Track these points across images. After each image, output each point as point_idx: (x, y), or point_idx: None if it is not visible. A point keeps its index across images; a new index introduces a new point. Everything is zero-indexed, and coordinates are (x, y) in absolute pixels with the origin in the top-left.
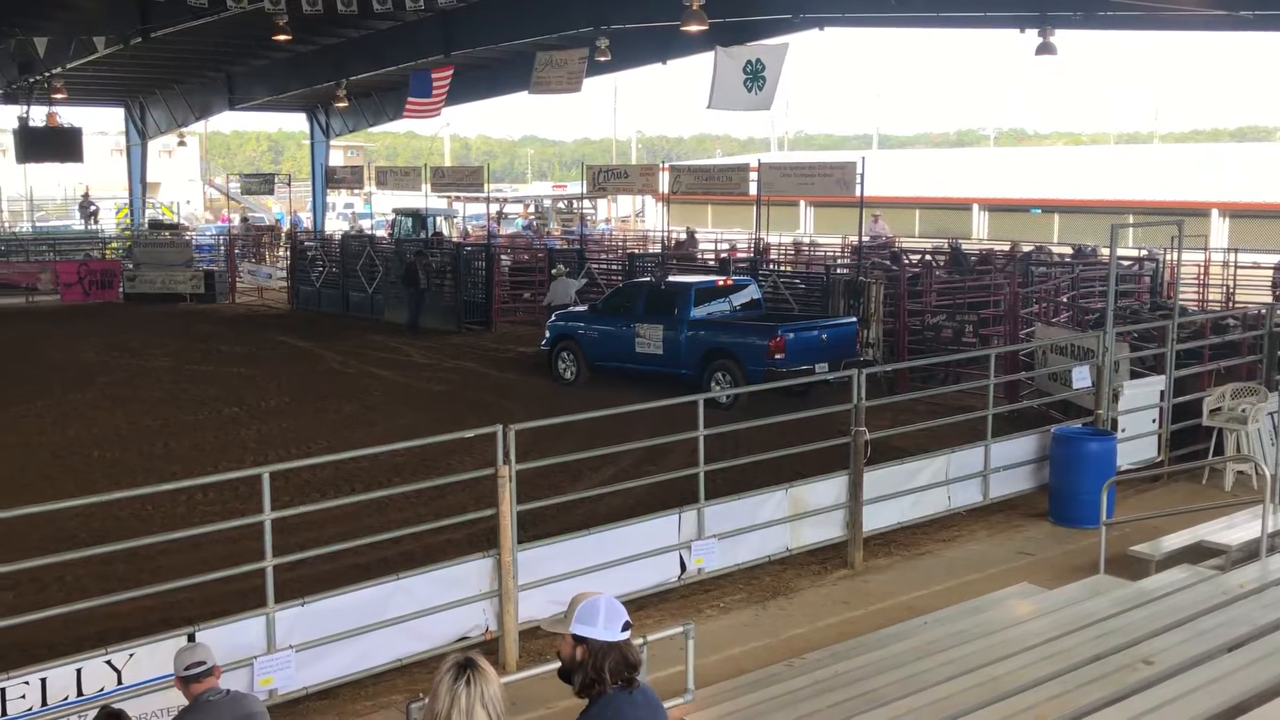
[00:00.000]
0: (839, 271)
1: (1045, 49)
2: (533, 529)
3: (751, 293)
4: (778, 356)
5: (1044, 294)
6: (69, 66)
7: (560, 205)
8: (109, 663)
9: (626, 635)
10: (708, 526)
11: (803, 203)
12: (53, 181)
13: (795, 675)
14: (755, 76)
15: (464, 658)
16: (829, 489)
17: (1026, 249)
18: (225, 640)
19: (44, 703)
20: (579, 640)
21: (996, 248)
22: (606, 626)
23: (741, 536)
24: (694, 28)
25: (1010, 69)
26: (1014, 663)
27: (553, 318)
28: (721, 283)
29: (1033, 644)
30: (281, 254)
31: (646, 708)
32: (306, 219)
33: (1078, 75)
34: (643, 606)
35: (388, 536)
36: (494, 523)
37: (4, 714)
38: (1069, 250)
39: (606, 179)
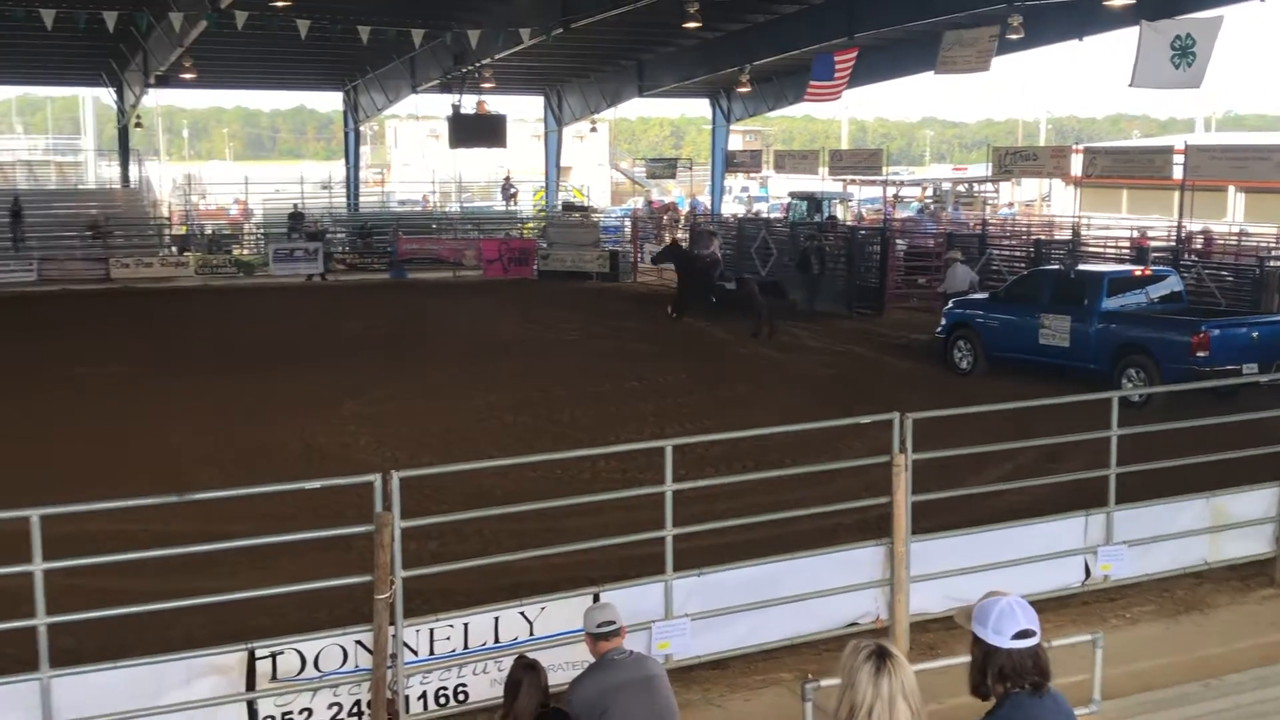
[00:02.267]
0: (1273, 264)
1: None
2: (924, 520)
3: (1172, 284)
4: (1200, 354)
5: None
6: (497, 58)
7: (960, 188)
8: (522, 614)
9: (1017, 645)
10: (1116, 532)
11: (1232, 189)
12: (478, 165)
13: (1214, 697)
14: (1184, 52)
15: (877, 645)
16: (1257, 500)
17: None
18: (625, 603)
19: (465, 645)
20: (976, 639)
21: None
22: (995, 631)
23: (1154, 545)
24: (1117, 2)
25: None
26: None
27: (949, 305)
28: (1139, 273)
29: None
30: (680, 236)
31: (1056, 715)
32: (704, 202)
33: None
34: (1041, 610)
35: (782, 516)
36: (886, 510)
37: (431, 652)
38: None
39: (1013, 161)
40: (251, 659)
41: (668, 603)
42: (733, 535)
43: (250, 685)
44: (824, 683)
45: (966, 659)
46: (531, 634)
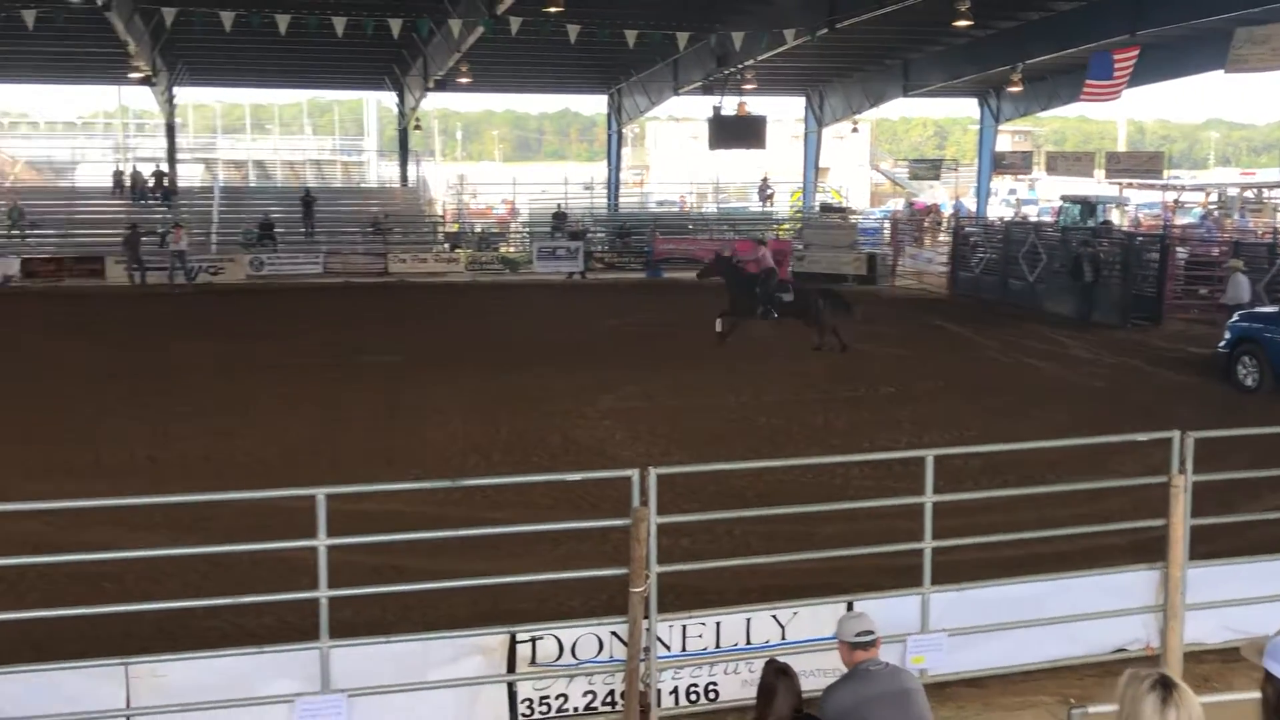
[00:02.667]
0: None
1: None
2: (1202, 545)
3: None
4: None
5: None
6: (759, 59)
7: (1248, 194)
8: (775, 617)
9: None
10: None
11: None
12: (736, 166)
13: None
14: None
15: (1160, 675)
16: None
17: None
18: (879, 614)
19: (717, 644)
20: (1269, 676)
21: None
22: None
23: None
24: None
25: None
26: None
27: (1234, 317)
28: None
29: None
30: (943, 239)
31: None
32: (969, 204)
33: None
34: None
35: (1049, 534)
36: (1161, 533)
37: (683, 648)
38: None
39: None
40: (513, 642)
41: (924, 616)
42: (991, 551)
43: (510, 667)
44: (1091, 709)
45: (1245, 695)
46: (783, 638)
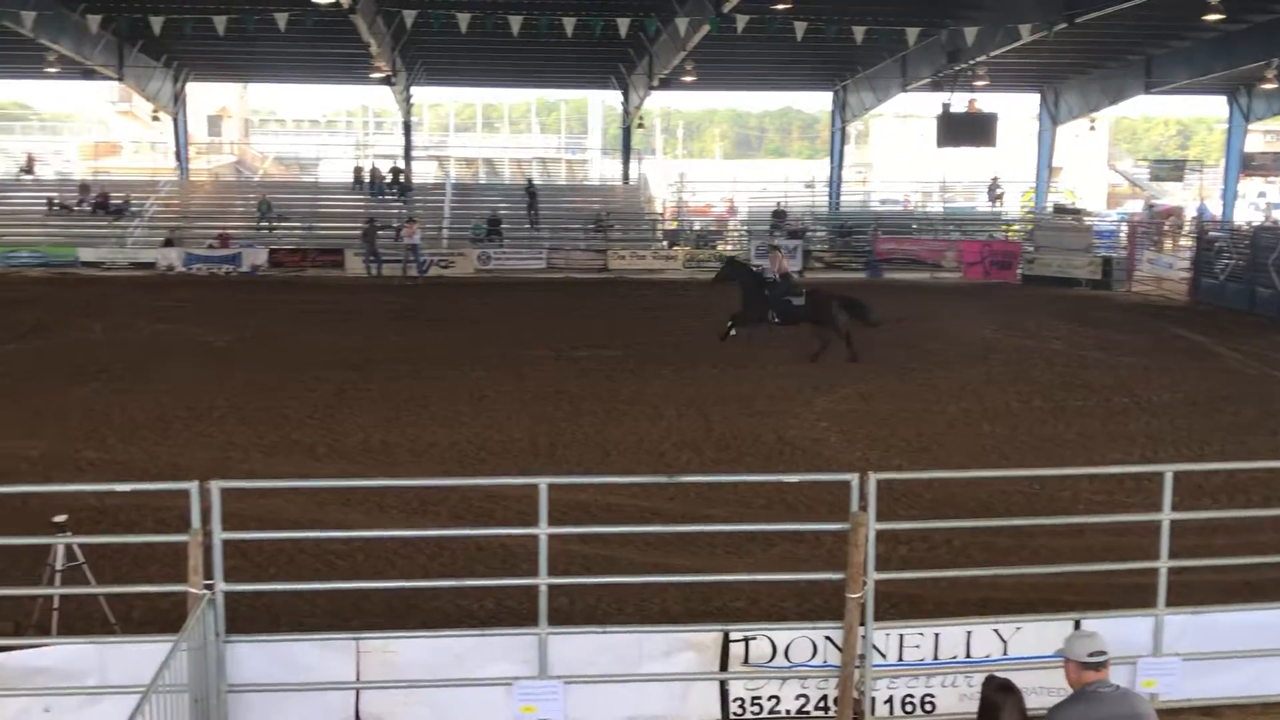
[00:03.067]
0: None
1: None
2: None
3: None
4: None
5: None
6: (992, 55)
7: None
8: (996, 631)
9: None
10: None
11: None
12: (963, 164)
13: None
14: None
15: None
16: None
17: None
18: (1107, 634)
19: (935, 656)
20: None
21: None
22: None
23: None
24: None
25: None
26: None
27: None
28: None
29: None
30: (1184, 244)
31: None
32: (1213, 208)
33: None
34: None
35: None
36: None
37: (900, 658)
38: None
39: None
40: (726, 641)
41: (1157, 639)
42: (1228, 574)
43: (723, 666)
44: None
45: None
46: (1005, 653)
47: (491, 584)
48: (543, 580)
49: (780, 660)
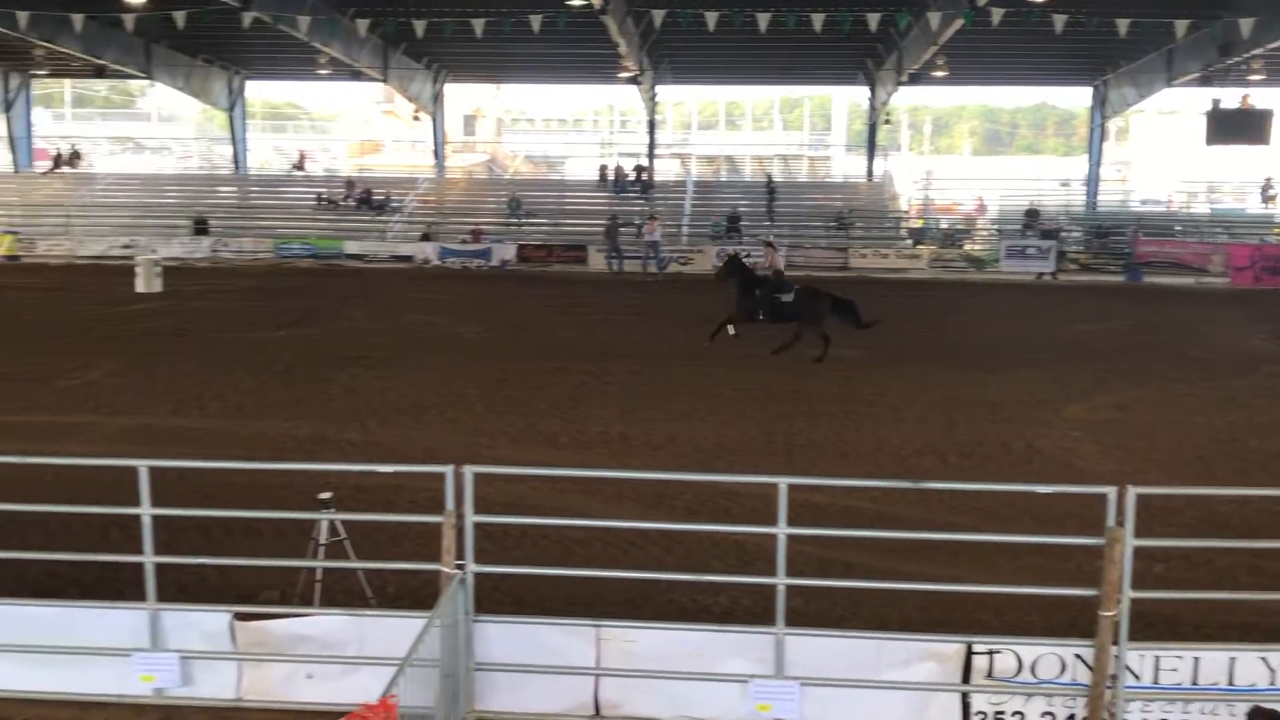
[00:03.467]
0: None
1: None
2: None
3: None
4: None
5: None
6: (1268, 47)
7: None
8: (1264, 659)
9: None
10: None
11: None
12: (1233, 163)
13: None
14: None
15: None
16: None
17: None
18: None
19: (1194, 681)
20: None
21: None
22: None
23: None
24: None
25: None
26: None
27: None
28: None
29: None
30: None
31: None
32: None
33: None
34: None
35: None
36: None
37: (1155, 681)
38: None
39: None
40: (969, 653)
41: None
42: None
43: (965, 678)
44: None
45: None
46: (1272, 683)
47: (729, 580)
48: (780, 580)
49: (1026, 676)
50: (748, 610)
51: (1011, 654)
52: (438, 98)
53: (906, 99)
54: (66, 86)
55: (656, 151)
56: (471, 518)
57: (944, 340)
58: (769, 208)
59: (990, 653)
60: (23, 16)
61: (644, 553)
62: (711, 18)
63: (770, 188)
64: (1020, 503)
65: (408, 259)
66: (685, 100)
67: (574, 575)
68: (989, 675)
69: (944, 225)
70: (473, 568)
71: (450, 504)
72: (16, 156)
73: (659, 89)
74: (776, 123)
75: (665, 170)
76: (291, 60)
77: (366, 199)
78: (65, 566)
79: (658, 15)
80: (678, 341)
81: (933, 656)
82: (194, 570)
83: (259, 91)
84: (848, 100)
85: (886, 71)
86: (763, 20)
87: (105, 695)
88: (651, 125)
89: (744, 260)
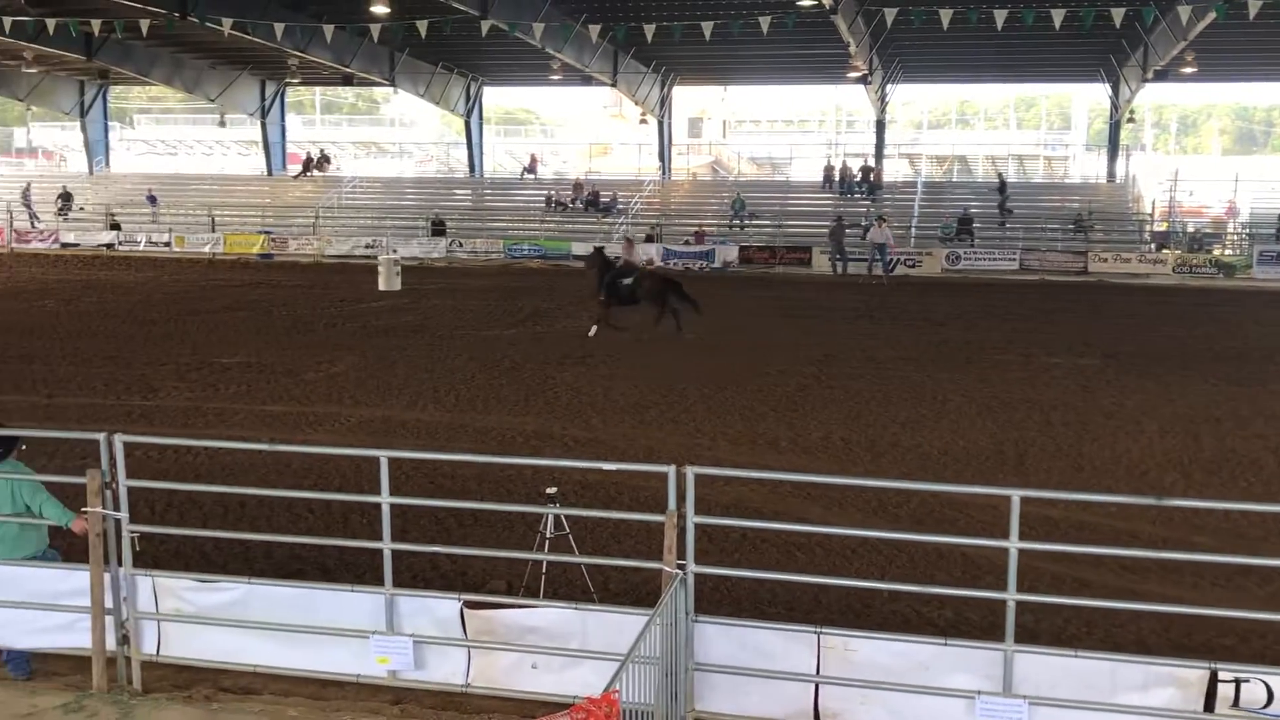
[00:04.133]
0: None
1: None
2: None
3: None
4: None
5: None
6: None
7: None
8: None
9: None
10: None
11: None
12: None
13: None
14: None
15: None
16: None
17: None
18: None
19: None
20: None
21: None
22: None
23: None
24: None
25: None
26: None
27: None
28: None
29: None
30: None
31: None
32: None
33: None
34: None
35: None
36: None
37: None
38: None
39: None
40: (1214, 680)
41: None
42: None
43: (1208, 707)
44: None
45: None
46: None
47: (956, 593)
48: (1011, 595)
49: (1276, 708)
50: (974, 624)
51: (1261, 683)
52: (665, 101)
53: (1151, 96)
54: (316, 94)
55: (884, 151)
56: (693, 518)
57: (1189, 350)
58: (1000, 207)
59: (1237, 681)
60: (279, 28)
61: (865, 561)
62: (946, 15)
63: (1001, 186)
64: (1271, 523)
65: None
66: (915, 99)
67: (795, 580)
68: (1235, 705)
69: (1190, 229)
70: (693, 568)
71: (672, 504)
72: (270, 160)
73: (888, 88)
74: (1011, 121)
75: (893, 171)
76: (525, 66)
77: (593, 201)
78: (307, 549)
79: (889, 13)
80: (903, 346)
81: (1173, 682)
82: (426, 557)
83: (494, 97)
84: (1087, 98)
85: (1130, 68)
86: (999, 17)
87: (343, 674)
88: (880, 125)
89: (605, 254)
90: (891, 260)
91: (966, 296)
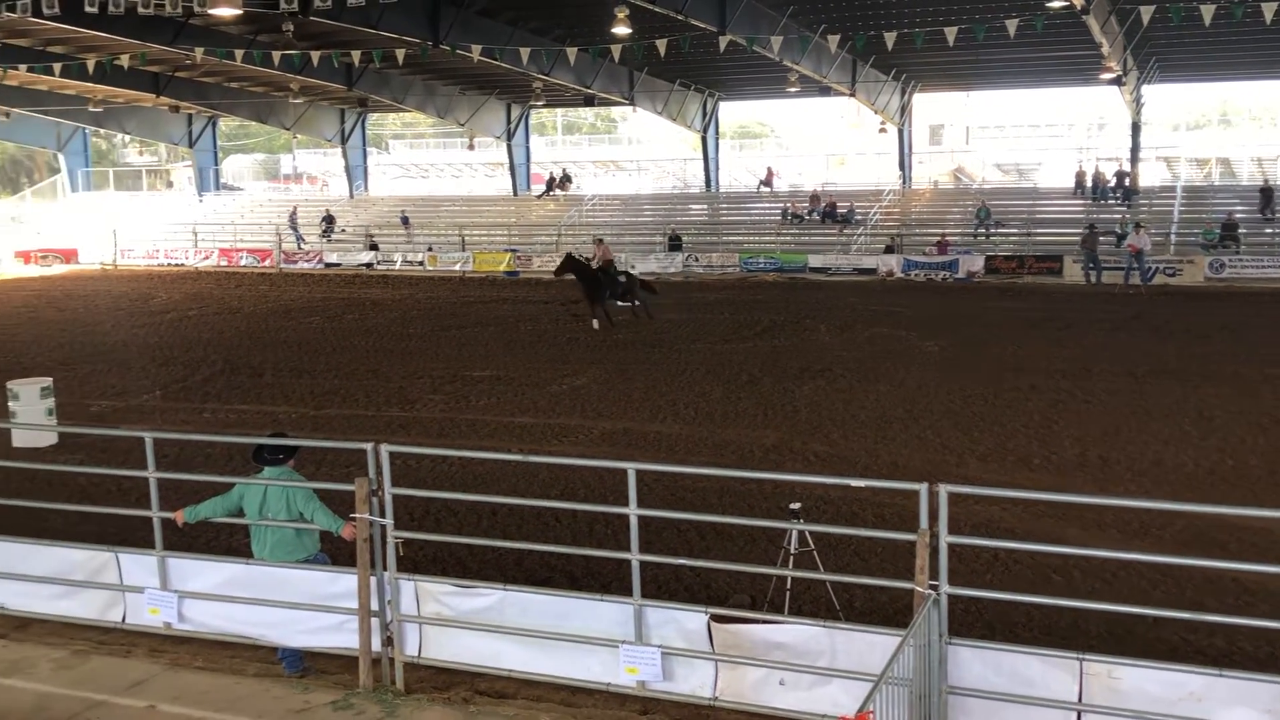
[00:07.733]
0: None
1: None
2: None
3: None
4: None
5: None
6: None
7: None
8: None
9: None
10: None
11: None
12: None
13: None
14: None
15: None
16: None
17: None
18: None
19: None
20: None
21: None
22: None
23: None
24: None
25: None
26: None
27: None
28: None
29: None
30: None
31: None
32: None
33: None
34: None
35: None
36: None
37: None
38: None
39: None
40: None
41: None
42: None
43: None
44: None
45: None
46: None
47: (1229, 621)
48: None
49: None
50: (1249, 655)
51: None
52: (905, 109)
53: None
54: (558, 115)
55: (1140, 154)
56: (946, 538)
57: None
58: (1263, 212)
59: None
60: (524, 52)
61: (1128, 585)
62: (1207, 11)
63: (1266, 190)
64: None
65: (870, 272)
66: (1171, 99)
67: (1053, 604)
68: None
69: None
70: (946, 589)
71: (924, 522)
72: (515, 181)
73: (1144, 89)
74: None
75: (1150, 174)
76: (761, 79)
77: (831, 212)
78: (555, 557)
79: (1145, 12)
80: (1163, 359)
81: None
82: (670, 569)
83: (729, 112)
84: None
85: None
86: (1268, 10)
87: (593, 682)
88: (1135, 127)
89: (577, 257)
90: (1150, 269)
91: (1232, 307)
